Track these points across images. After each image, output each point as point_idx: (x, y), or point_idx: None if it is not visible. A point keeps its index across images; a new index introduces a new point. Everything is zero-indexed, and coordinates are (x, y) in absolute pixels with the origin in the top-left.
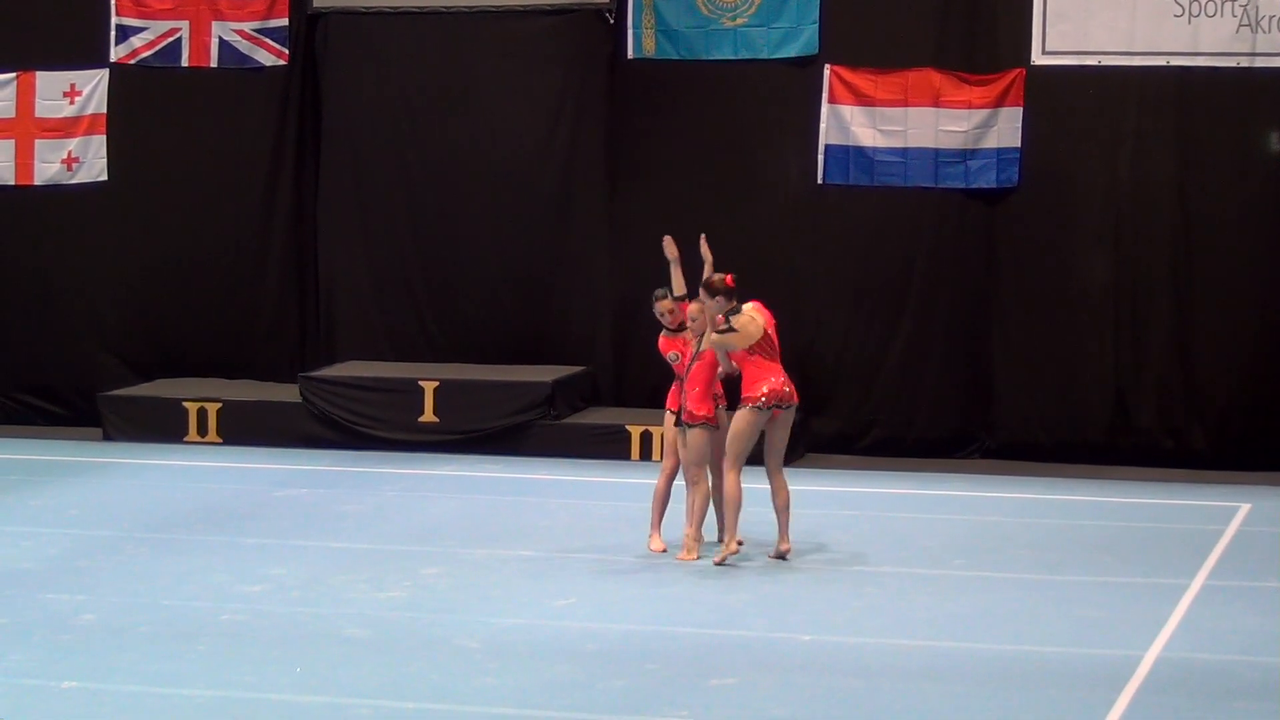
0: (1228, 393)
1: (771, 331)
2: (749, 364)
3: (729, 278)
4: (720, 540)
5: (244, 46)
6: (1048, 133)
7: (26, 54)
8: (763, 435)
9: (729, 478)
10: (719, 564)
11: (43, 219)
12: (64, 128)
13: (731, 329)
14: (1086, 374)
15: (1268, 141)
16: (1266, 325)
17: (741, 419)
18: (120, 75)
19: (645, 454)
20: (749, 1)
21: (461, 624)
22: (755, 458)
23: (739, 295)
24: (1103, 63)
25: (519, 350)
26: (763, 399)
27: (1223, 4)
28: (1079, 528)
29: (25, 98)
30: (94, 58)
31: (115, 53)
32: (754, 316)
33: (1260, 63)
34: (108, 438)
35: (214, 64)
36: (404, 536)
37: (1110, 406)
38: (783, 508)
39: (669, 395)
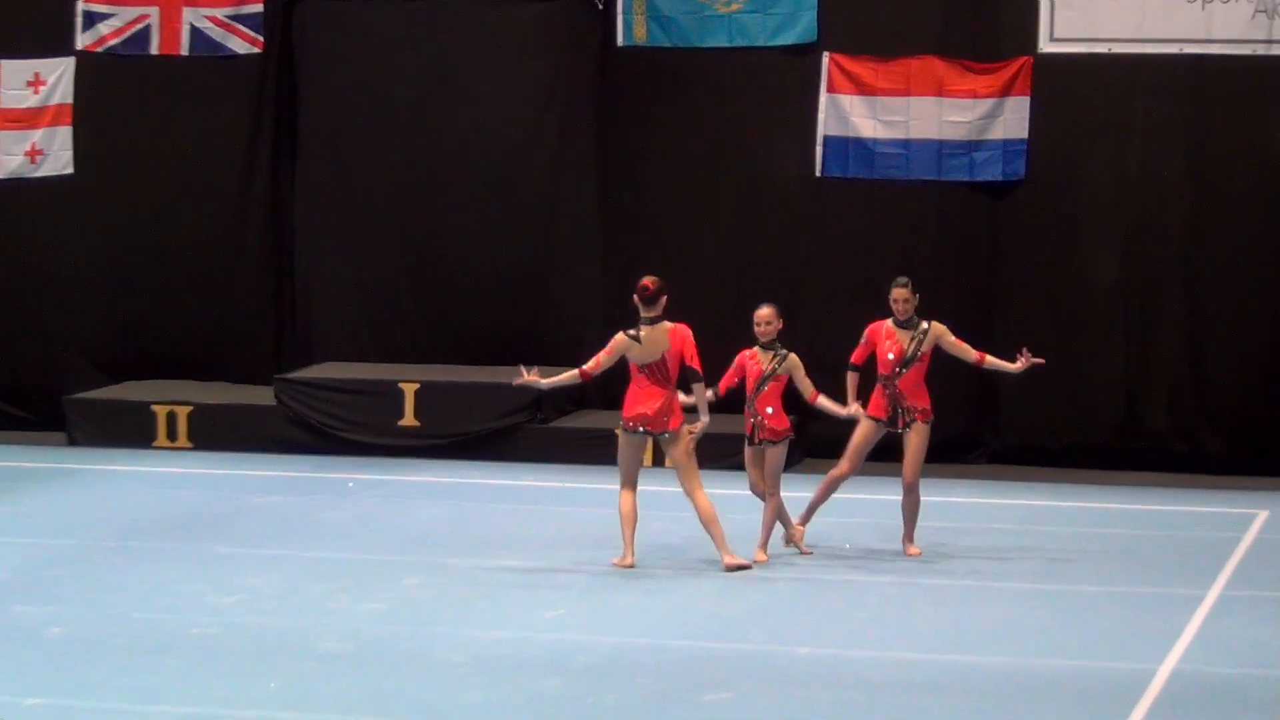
0: (1243, 394)
1: (670, 360)
2: (634, 382)
3: (649, 282)
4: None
5: (216, 34)
6: (1055, 123)
7: None
8: None
9: (620, 495)
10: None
11: (5, 214)
12: (27, 119)
13: (635, 339)
14: (1095, 374)
15: None
16: None
17: (619, 439)
18: (86, 64)
19: None
20: None
21: (445, 637)
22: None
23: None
24: (1112, 50)
25: (505, 350)
26: (630, 423)
27: None
28: (1088, 535)
29: None
30: (59, 45)
31: (81, 40)
32: (659, 339)
33: (1277, 50)
34: (73, 443)
35: (185, 52)
36: (385, 545)
37: (1120, 408)
38: (708, 521)
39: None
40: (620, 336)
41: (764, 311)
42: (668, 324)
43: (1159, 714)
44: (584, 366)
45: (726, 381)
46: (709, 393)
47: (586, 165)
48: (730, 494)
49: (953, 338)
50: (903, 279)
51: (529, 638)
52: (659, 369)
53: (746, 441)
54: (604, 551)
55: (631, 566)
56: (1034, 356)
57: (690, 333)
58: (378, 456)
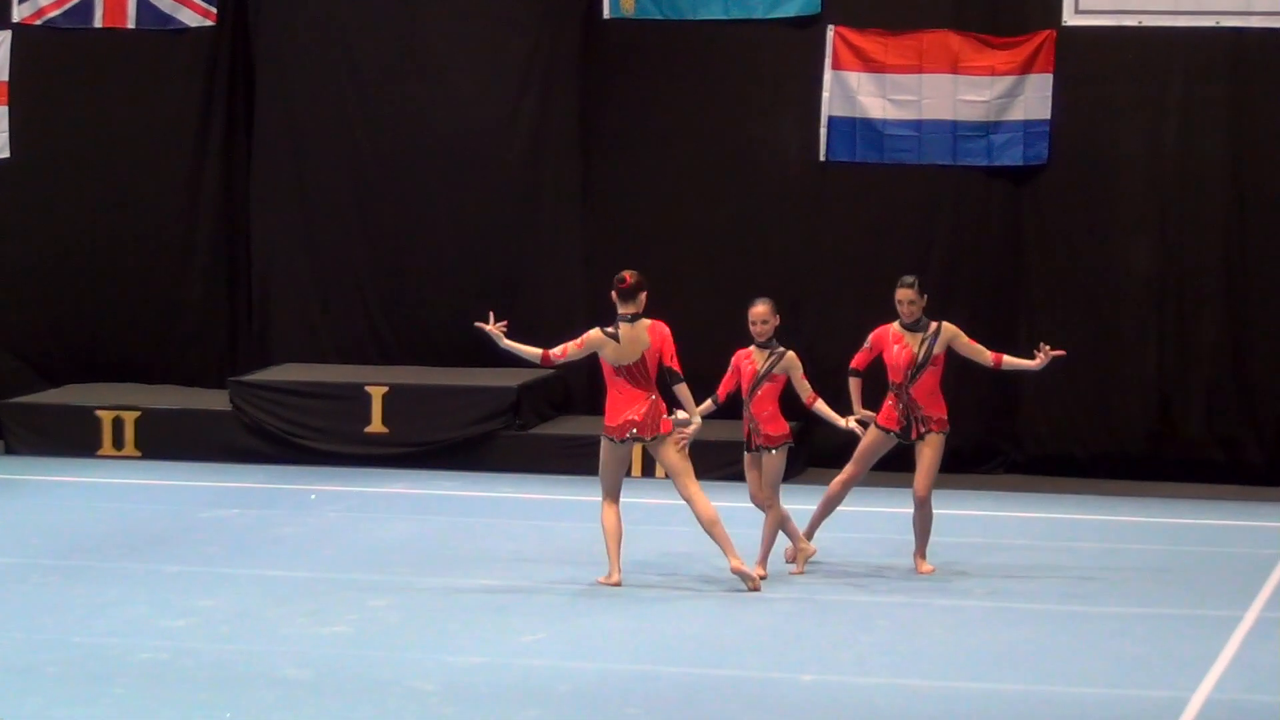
0: None
1: (650, 359)
2: (612, 387)
3: (627, 275)
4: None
5: (165, 4)
6: (1081, 103)
7: None
8: None
9: (603, 509)
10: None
11: None
12: None
13: (613, 337)
14: (1126, 377)
15: None
16: None
17: (602, 449)
18: (24, 38)
19: None
20: None
21: (415, 663)
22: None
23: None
24: (1144, 23)
25: (479, 351)
26: (617, 431)
27: None
28: (1117, 552)
29: None
30: None
31: (18, 12)
32: (639, 337)
33: None
34: (10, 451)
35: (131, 24)
36: (349, 563)
37: (1153, 414)
38: (709, 524)
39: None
40: (596, 332)
41: (759, 309)
42: (646, 321)
43: None
44: (551, 350)
45: (725, 386)
46: (708, 403)
47: (568, 149)
48: (728, 506)
49: (966, 339)
50: (908, 278)
51: (506, 664)
52: (638, 370)
53: (744, 448)
54: (587, 569)
55: (618, 585)
56: (1053, 350)
57: (669, 330)
58: (342, 466)
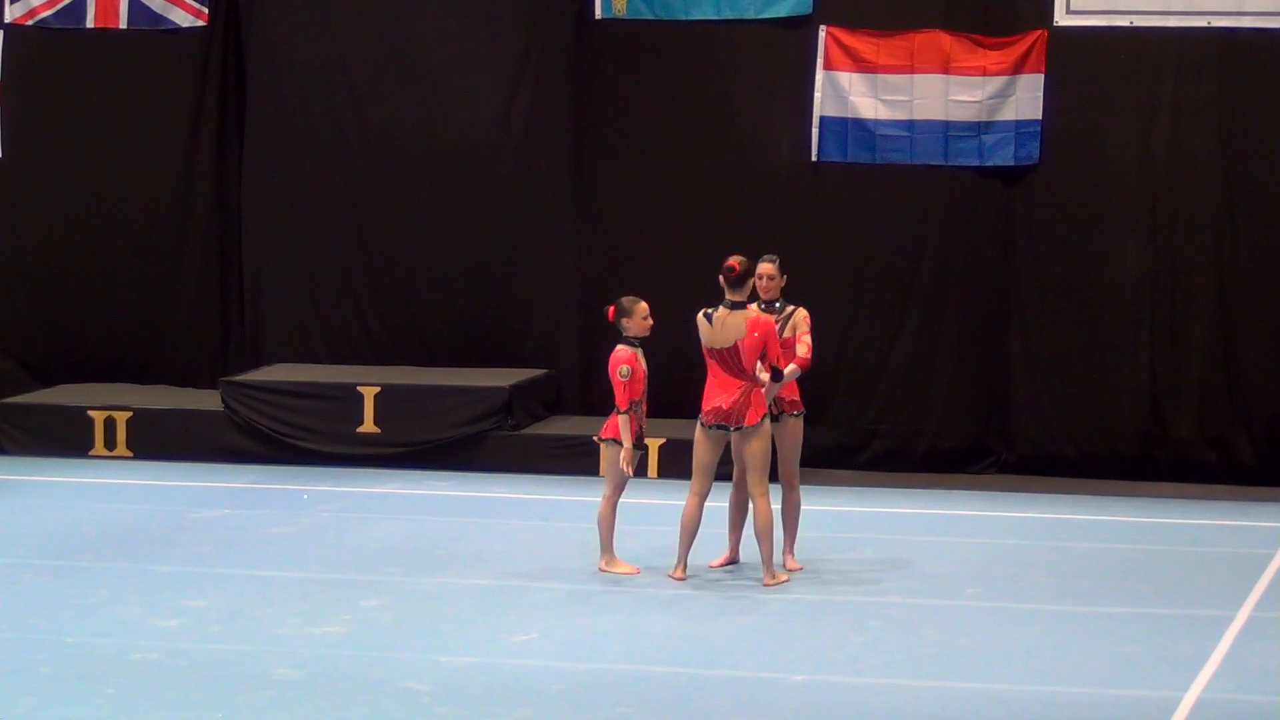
0: (1278, 399)
1: (745, 351)
2: (709, 372)
3: (734, 263)
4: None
5: (157, 5)
6: (1073, 103)
7: None
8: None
9: (687, 500)
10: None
11: None
12: None
13: (707, 318)
14: (1118, 378)
15: None
16: None
17: (695, 434)
18: (15, 38)
19: None
20: None
21: (408, 663)
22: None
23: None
24: (1135, 23)
25: (472, 351)
26: (704, 417)
27: None
28: (1109, 552)
29: None
30: None
31: (10, 12)
32: (735, 324)
33: None
34: (2, 452)
35: (123, 25)
36: (341, 563)
37: (1145, 414)
38: (760, 531)
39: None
40: (699, 316)
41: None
42: (752, 312)
43: None
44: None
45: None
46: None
47: (560, 149)
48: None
49: (805, 328)
50: (771, 255)
51: (498, 664)
52: (730, 358)
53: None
54: (580, 569)
55: (682, 580)
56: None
57: (774, 327)
58: (334, 466)
